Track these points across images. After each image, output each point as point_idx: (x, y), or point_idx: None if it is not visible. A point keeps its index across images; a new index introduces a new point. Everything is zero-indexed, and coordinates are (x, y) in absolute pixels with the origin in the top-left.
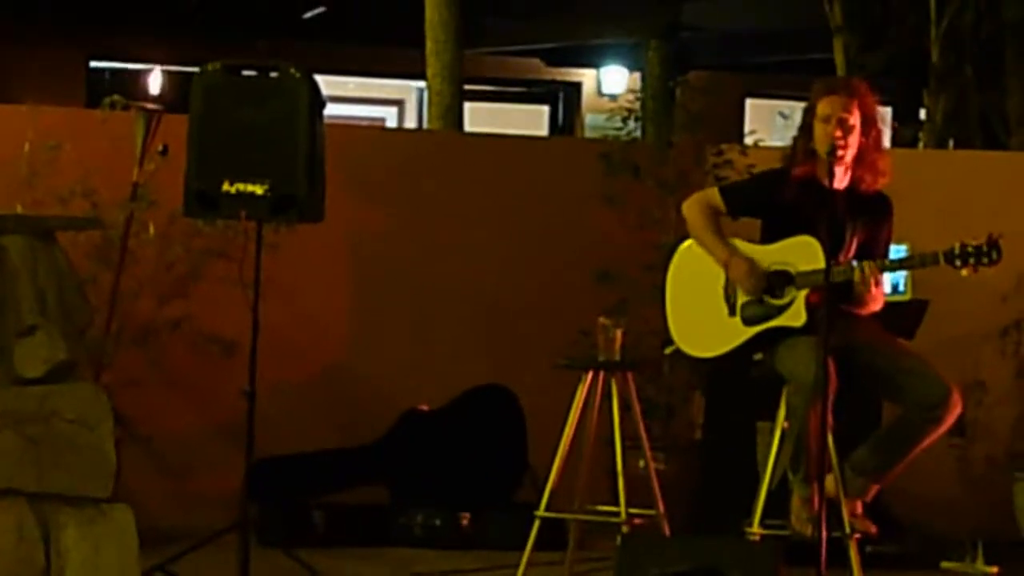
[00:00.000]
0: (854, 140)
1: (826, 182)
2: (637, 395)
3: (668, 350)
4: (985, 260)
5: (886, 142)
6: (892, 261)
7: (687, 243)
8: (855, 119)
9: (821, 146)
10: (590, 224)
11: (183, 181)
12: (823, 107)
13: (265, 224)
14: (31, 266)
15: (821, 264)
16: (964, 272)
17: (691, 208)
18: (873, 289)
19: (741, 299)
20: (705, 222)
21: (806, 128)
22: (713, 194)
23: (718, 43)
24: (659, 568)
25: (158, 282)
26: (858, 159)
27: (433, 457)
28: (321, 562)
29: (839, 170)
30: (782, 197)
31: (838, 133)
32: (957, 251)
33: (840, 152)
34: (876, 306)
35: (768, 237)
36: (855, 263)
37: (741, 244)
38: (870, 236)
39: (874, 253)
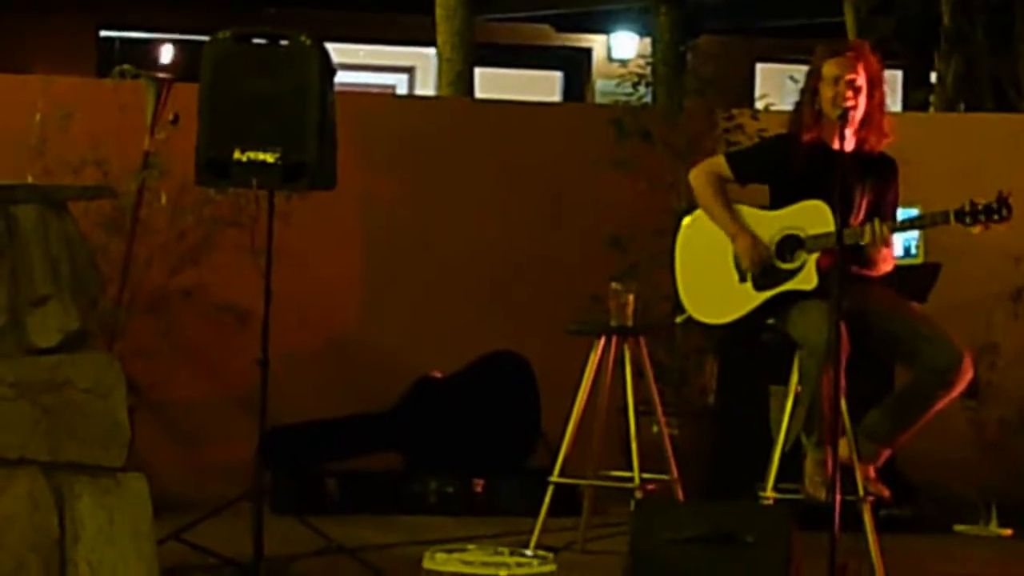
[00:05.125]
0: (862, 101)
1: (834, 145)
2: (650, 360)
3: (680, 318)
4: (996, 217)
5: (896, 106)
6: (903, 221)
7: (695, 212)
8: (861, 80)
9: (829, 108)
10: (601, 190)
11: (194, 150)
12: (829, 69)
13: (277, 192)
14: (43, 236)
15: (831, 227)
16: (975, 230)
17: (698, 177)
18: (884, 249)
19: (748, 268)
20: (712, 192)
21: (811, 91)
22: (720, 162)
23: (728, 7)
24: (673, 533)
25: (170, 251)
26: (863, 120)
27: (446, 424)
28: (335, 529)
29: (847, 132)
30: (790, 162)
31: (848, 94)
32: (967, 209)
33: (851, 113)
34: (887, 267)
35: (777, 202)
36: (865, 224)
37: (750, 211)
38: (878, 197)
39: (882, 214)
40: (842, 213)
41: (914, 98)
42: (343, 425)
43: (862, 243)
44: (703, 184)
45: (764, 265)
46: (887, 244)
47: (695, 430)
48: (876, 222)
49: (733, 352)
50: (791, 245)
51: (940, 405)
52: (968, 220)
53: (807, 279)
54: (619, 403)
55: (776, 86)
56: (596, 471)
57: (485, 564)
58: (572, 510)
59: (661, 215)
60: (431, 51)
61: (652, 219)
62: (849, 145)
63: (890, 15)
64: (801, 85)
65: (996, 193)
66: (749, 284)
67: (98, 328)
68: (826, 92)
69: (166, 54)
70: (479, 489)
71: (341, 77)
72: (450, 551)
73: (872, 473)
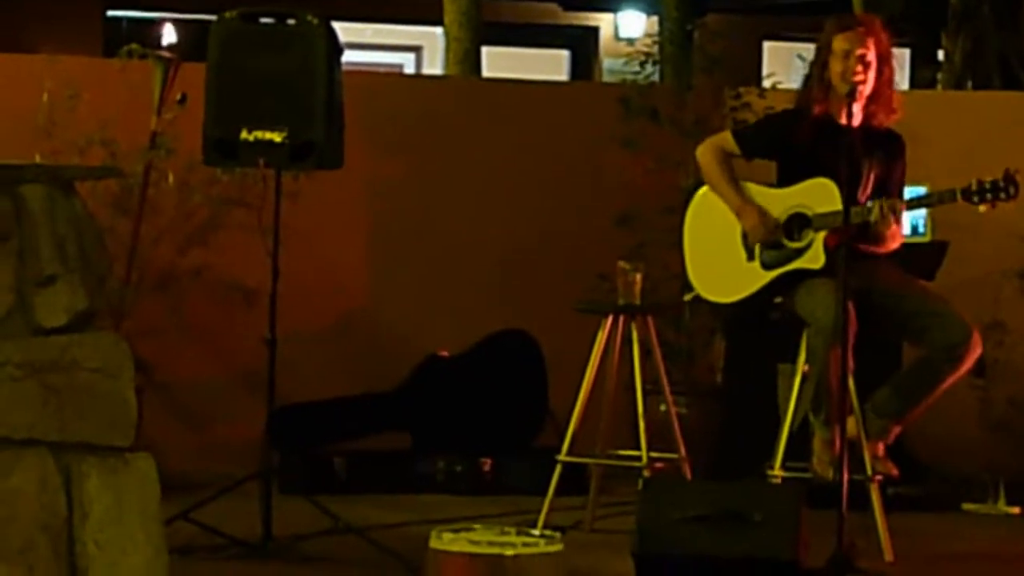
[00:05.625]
0: (872, 76)
1: (842, 120)
2: (657, 339)
3: (687, 297)
4: (1003, 195)
5: (903, 83)
6: (910, 200)
7: (702, 190)
8: (871, 55)
9: (839, 82)
10: (609, 168)
11: (201, 129)
12: (839, 43)
13: (284, 172)
14: (50, 216)
15: (838, 205)
16: (982, 208)
17: (705, 154)
18: (893, 226)
19: (755, 243)
20: (719, 168)
21: (820, 65)
22: (727, 138)
23: None
24: (681, 512)
25: (177, 231)
26: (872, 96)
27: (454, 403)
28: (343, 509)
29: (856, 107)
30: (797, 137)
31: (858, 68)
32: (974, 187)
33: (860, 88)
34: (895, 244)
35: (784, 178)
36: (872, 202)
37: (756, 188)
38: (885, 173)
39: (889, 190)
40: (849, 188)
41: (922, 76)
42: (351, 405)
43: (870, 220)
44: (709, 160)
45: (771, 239)
46: (897, 221)
47: (703, 409)
48: (884, 201)
49: (741, 331)
50: (798, 223)
51: (949, 382)
52: (975, 198)
53: (814, 258)
54: (627, 382)
55: (784, 64)
56: (604, 450)
57: (492, 543)
58: (580, 489)
59: (668, 193)
60: (438, 30)
61: (659, 198)
62: (857, 120)
63: None
64: (811, 59)
65: (1003, 171)
66: (757, 263)
67: (106, 308)
68: (835, 66)
69: (173, 34)
70: (486, 468)
71: (348, 56)
72: (457, 530)
73: (880, 451)
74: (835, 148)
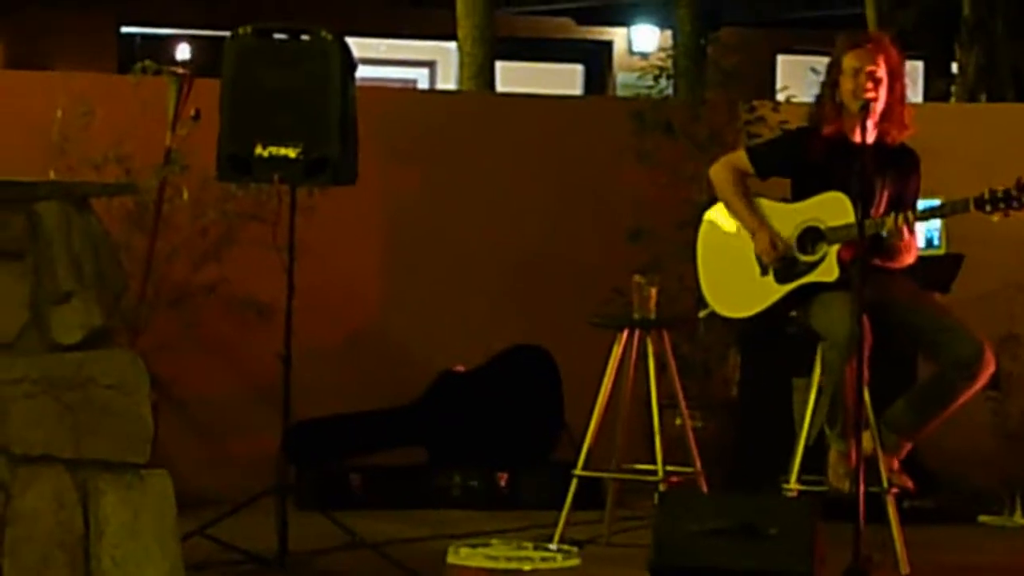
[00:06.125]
0: (883, 92)
1: (855, 137)
2: (673, 353)
3: (703, 314)
4: (1015, 204)
5: (917, 96)
6: (923, 210)
7: (716, 206)
8: (882, 71)
9: (850, 100)
10: (623, 183)
11: (216, 145)
12: (850, 61)
13: (299, 187)
14: (66, 232)
15: (851, 219)
16: (995, 218)
17: (718, 172)
18: (907, 237)
19: (768, 265)
20: (733, 188)
21: (832, 84)
22: (740, 157)
23: None
24: (697, 525)
25: (192, 247)
26: (884, 112)
27: (470, 418)
28: (359, 524)
29: (869, 123)
30: (810, 155)
31: (869, 85)
32: (987, 197)
33: (873, 104)
34: (910, 258)
35: (798, 195)
36: (887, 215)
37: (770, 204)
38: (899, 189)
39: (904, 206)
40: (862, 205)
41: (935, 89)
42: (366, 420)
43: (883, 233)
44: (723, 179)
45: (783, 261)
46: (911, 232)
47: (718, 423)
48: (894, 213)
49: (756, 345)
50: (812, 237)
51: (963, 397)
52: (988, 207)
53: (828, 271)
54: (642, 396)
55: (797, 78)
56: (620, 464)
57: (509, 558)
58: (596, 503)
59: (683, 208)
60: (452, 45)
61: (674, 212)
62: (870, 137)
63: (911, 6)
64: (822, 78)
65: (1016, 180)
66: (771, 277)
67: (121, 324)
68: (846, 84)
69: (187, 50)
70: (503, 483)
71: (362, 72)
72: (474, 545)
73: (896, 465)
74: (848, 166)
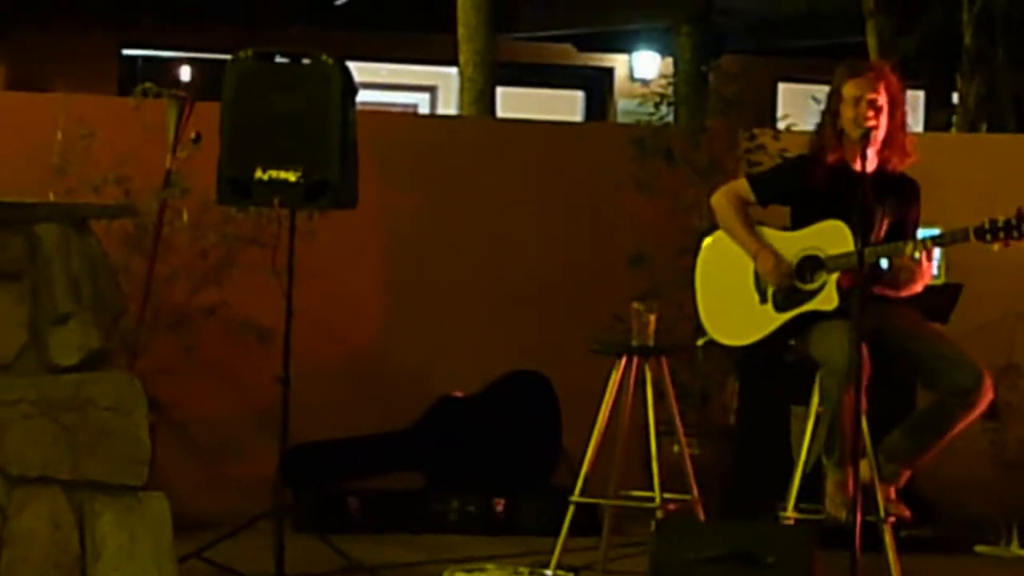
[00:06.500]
0: (883, 121)
1: (856, 165)
2: (671, 380)
3: (700, 342)
4: (1015, 234)
5: (918, 126)
6: (923, 239)
7: (714, 233)
8: (883, 100)
9: (851, 128)
10: (623, 209)
11: (216, 168)
12: (850, 89)
13: (298, 211)
14: (65, 254)
15: (851, 247)
16: (995, 247)
17: (720, 200)
18: (926, 264)
19: (772, 286)
20: (734, 214)
21: (833, 112)
22: (742, 184)
23: (750, 27)
24: (694, 553)
25: (191, 269)
26: (885, 141)
27: (468, 443)
28: (356, 548)
29: (870, 152)
30: (811, 183)
31: (870, 113)
32: (987, 226)
33: (873, 133)
34: (918, 287)
35: (798, 223)
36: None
37: (770, 232)
38: (899, 218)
39: (904, 235)
40: (862, 234)
41: (936, 118)
42: (364, 444)
43: (884, 262)
44: (725, 206)
45: (787, 283)
46: (930, 258)
47: (716, 450)
48: (912, 240)
49: (754, 372)
50: (811, 265)
51: (961, 426)
52: (988, 237)
53: (828, 299)
54: (640, 423)
55: (798, 106)
56: (617, 491)
57: None
58: (593, 530)
59: (683, 235)
60: (453, 70)
61: (674, 239)
62: (871, 165)
63: (912, 35)
64: (822, 106)
65: (1016, 209)
66: (770, 305)
67: (120, 346)
68: (847, 112)
69: (187, 73)
70: (500, 508)
71: (363, 96)
72: (471, 570)
73: (893, 494)
74: (848, 194)
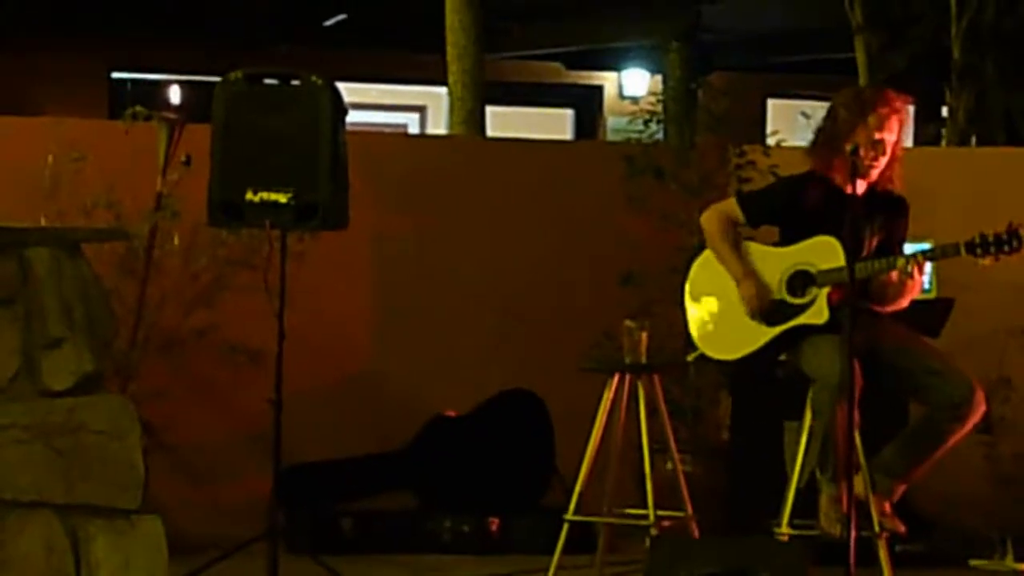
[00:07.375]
0: (884, 160)
1: (847, 190)
2: (663, 397)
3: (690, 357)
4: (1006, 248)
5: (908, 140)
6: (913, 254)
7: (706, 251)
8: (892, 138)
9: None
10: (614, 227)
11: (206, 191)
12: (875, 120)
13: (289, 232)
14: (56, 278)
15: (841, 262)
16: (986, 262)
17: (709, 220)
18: (917, 278)
19: (748, 313)
20: (721, 235)
21: (844, 136)
22: (732, 205)
23: (739, 44)
24: (689, 570)
25: (183, 292)
26: (880, 172)
27: (460, 463)
28: (349, 569)
29: (862, 182)
30: (801, 202)
31: (872, 154)
32: (978, 241)
33: (872, 172)
34: (905, 301)
35: (788, 239)
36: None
37: (761, 248)
38: (887, 236)
39: (891, 253)
40: (853, 251)
41: (926, 132)
42: (357, 464)
43: (873, 276)
44: (714, 227)
45: (766, 312)
46: (922, 272)
47: (709, 467)
48: (907, 256)
49: (746, 388)
50: (802, 280)
51: (954, 440)
52: (979, 251)
53: (818, 314)
54: (633, 440)
55: (788, 122)
56: (611, 508)
57: None
58: (587, 548)
59: (674, 252)
60: (442, 90)
61: (664, 256)
62: (861, 188)
63: (901, 50)
64: (819, 123)
65: (1007, 224)
66: (760, 319)
67: (112, 369)
68: (861, 137)
69: (178, 95)
70: (494, 528)
71: (353, 116)
72: None
73: (887, 508)
74: (839, 212)
